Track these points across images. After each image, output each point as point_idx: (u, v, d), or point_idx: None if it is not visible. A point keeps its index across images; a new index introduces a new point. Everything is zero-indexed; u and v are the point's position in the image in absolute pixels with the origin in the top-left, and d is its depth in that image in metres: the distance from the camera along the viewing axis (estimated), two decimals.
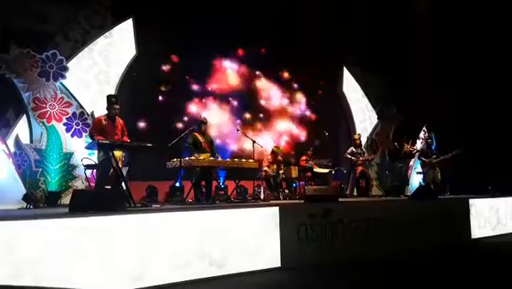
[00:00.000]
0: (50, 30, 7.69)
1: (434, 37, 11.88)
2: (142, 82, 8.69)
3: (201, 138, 6.82)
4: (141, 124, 8.70)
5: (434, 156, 8.98)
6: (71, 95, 7.51)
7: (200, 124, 7.01)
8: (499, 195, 7.81)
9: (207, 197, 6.56)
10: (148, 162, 7.57)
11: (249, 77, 10.79)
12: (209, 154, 6.63)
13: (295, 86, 11.62)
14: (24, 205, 6.09)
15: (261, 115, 10.81)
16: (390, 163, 9.33)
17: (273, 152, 8.99)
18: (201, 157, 6.33)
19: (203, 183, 6.66)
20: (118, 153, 5.36)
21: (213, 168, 6.74)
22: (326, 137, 10.57)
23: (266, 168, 8.59)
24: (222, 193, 8.00)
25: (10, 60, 6.89)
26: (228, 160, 6.69)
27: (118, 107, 5.80)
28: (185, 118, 9.38)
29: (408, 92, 11.88)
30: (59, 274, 3.02)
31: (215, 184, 7.64)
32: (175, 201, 7.09)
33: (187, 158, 6.17)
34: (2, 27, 6.95)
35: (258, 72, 10.93)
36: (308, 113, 11.74)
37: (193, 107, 9.61)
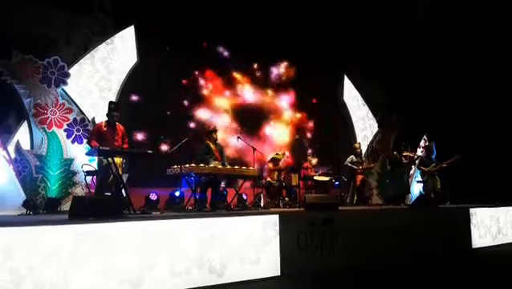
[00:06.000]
0: (52, 37, 7.73)
1: (435, 44, 11.93)
2: (144, 88, 8.73)
3: (212, 146, 6.87)
4: (143, 131, 8.70)
5: (433, 165, 8.97)
6: (72, 101, 7.53)
7: (211, 132, 7.05)
8: (500, 204, 7.79)
9: (212, 205, 6.56)
10: (148, 169, 7.57)
11: (250, 86, 10.86)
12: (218, 162, 6.67)
13: (296, 92, 11.69)
14: (24, 211, 6.07)
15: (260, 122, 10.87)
16: (393, 170, 9.30)
17: (273, 159, 8.98)
18: (211, 165, 6.37)
19: (209, 190, 6.69)
20: (118, 160, 5.37)
21: (221, 175, 6.73)
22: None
23: (269, 179, 8.57)
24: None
25: (11, 66, 6.93)
26: (228, 167, 6.68)
27: (117, 114, 5.83)
28: (191, 125, 9.45)
29: (408, 100, 11.90)
30: (59, 281, 3.01)
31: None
32: (175, 208, 7.08)
33: (187, 165, 6.17)
34: (4, 33, 6.98)
35: (258, 80, 11.01)
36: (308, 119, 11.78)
37: (197, 114, 9.68)
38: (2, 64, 6.85)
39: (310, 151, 9.68)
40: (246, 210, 6.93)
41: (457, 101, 11.48)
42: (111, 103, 6.00)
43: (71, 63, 7.65)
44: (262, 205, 8.09)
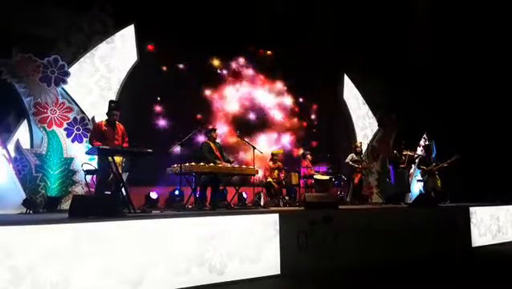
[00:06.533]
0: (52, 36, 7.73)
1: (435, 43, 11.92)
2: (144, 87, 8.72)
3: (212, 145, 6.90)
4: (143, 130, 8.68)
5: (434, 164, 8.97)
6: (72, 100, 7.53)
7: (210, 131, 7.09)
8: (500, 203, 7.79)
9: (212, 203, 6.56)
10: (148, 168, 7.57)
11: (250, 84, 10.87)
12: (219, 161, 6.68)
13: (295, 91, 11.70)
14: (24, 210, 6.08)
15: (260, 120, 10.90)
16: (392, 169, 9.31)
17: (272, 156, 8.98)
18: (212, 164, 6.38)
19: (209, 189, 6.68)
20: (118, 159, 5.37)
21: (221, 174, 6.73)
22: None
23: (269, 179, 8.56)
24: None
25: (11, 65, 6.92)
26: (228, 166, 6.69)
27: (117, 113, 5.82)
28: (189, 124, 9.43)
29: (408, 99, 11.90)
30: (58, 280, 3.01)
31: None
32: (175, 207, 7.08)
33: (187, 164, 6.17)
34: (4, 32, 6.97)
35: (258, 79, 11.01)
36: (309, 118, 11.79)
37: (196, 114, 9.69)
38: (1, 63, 6.84)
39: (308, 152, 9.67)
40: (246, 209, 6.93)
41: (456, 100, 11.47)
42: (111, 102, 6.00)
43: (70, 62, 7.65)
44: (261, 204, 8.09)
